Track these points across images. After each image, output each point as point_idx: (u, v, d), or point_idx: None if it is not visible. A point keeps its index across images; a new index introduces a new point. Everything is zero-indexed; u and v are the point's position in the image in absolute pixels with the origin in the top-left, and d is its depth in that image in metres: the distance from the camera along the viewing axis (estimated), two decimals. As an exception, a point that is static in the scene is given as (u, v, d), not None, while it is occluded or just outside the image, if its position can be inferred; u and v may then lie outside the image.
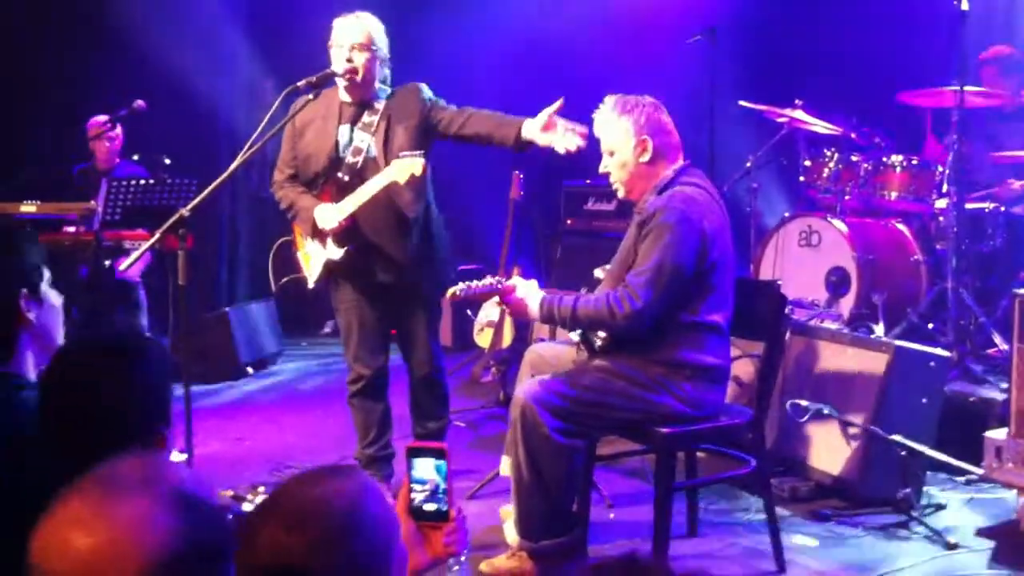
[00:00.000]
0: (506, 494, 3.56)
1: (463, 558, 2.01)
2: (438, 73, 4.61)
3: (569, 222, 7.06)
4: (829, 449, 4.18)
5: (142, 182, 5.50)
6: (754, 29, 6.87)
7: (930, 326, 5.25)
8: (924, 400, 4.11)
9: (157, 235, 3.56)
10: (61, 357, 1.92)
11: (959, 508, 4.07)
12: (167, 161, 6.01)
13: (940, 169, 5.43)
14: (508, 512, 3.53)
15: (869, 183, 5.66)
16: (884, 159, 5.63)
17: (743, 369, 4.48)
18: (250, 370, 6.85)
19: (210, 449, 4.93)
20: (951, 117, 5.17)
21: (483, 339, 5.77)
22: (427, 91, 4.10)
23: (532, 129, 3.84)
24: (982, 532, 3.82)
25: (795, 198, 6.28)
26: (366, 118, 4.05)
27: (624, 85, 3.67)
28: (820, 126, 5.80)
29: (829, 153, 5.81)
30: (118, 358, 1.85)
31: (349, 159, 4.03)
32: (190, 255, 3.71)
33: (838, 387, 4.23)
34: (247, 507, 3.95)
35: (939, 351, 4.30)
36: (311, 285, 4.19)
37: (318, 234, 4.03)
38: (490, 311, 5.65)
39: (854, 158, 5.72)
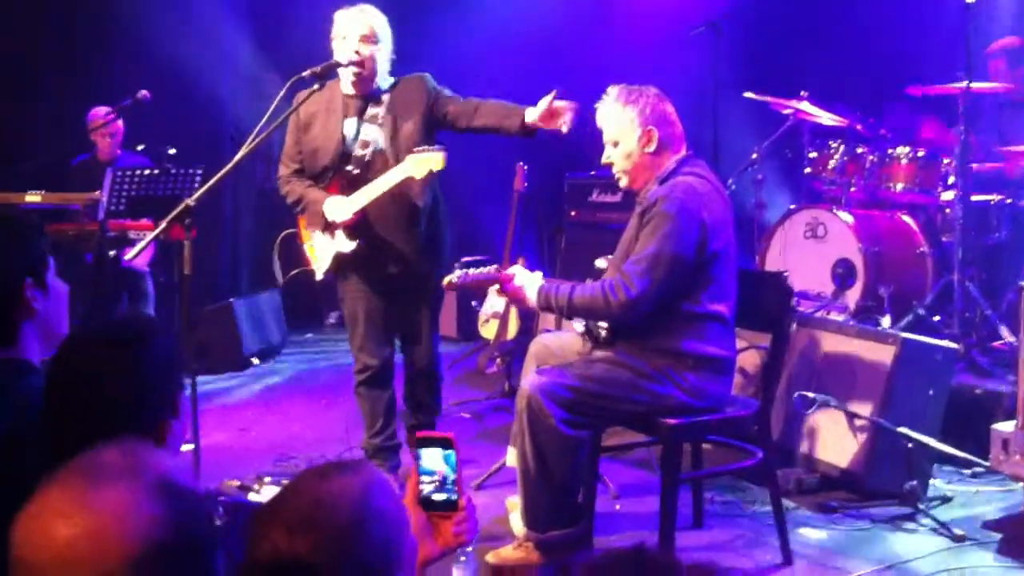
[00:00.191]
0: (512, 485, 3.56)
1: (469, 548, 2.00)
2: (440, 63, 4.60)
3: (573, 214, 7.03)
4: (835, 441, 4.17)
5: (147, 172, 5.48)
6: (759, 20, 6.83)
7: (936, 319, 5.23)
8: (931, 392, 4.11)
9: (163, 224, 3.54)
10: (66, 347, 1.90)
11: (966, 500, 4.06)
12: (172, 151, 5.99)
13: (946, 161, 5.41)
14: (514, 503, 3.53)
15: (875, 175, 5.63)
16: (890, 151, 5.60)
17: (749, 361, 4.47)
18: (255, 361, 6.84)
19: (215, 439, 4.93)
20: (958, 109, 5.15)
21: (488, 330, 5.76)
22: (431, 81, 4.10)
23: (534, 117, 3.88)
24: (989, 524, 3.82)
25: (800, 190, 6.26)
26: (372, 110, 4.04)
27: (629, 76, 3.65)
28: (826, 117, 5.77)
29: (835, 145, 5.78)
30: (123, 348, 1.83)
31: (357, 152, 4.02)
32: (194, 246, 3.70)
33: (844, 379, 4.22)
34: (252, 497, 3.94)
35: (946, 343, 4.29)
36: (319, 276, 4.18)
37: (328, 227, 4.02)
38: (495, 302, 5.64)
39: (860, 150, 5.70)
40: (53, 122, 7.01)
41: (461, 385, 6.09)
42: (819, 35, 6.81)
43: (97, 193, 5.42)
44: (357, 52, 3.95)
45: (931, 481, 4.09)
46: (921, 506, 3.93)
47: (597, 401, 3.32)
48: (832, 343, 4.35)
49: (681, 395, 3.34)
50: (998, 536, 3.70)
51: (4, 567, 1.21)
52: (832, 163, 5.77)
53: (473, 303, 6.63)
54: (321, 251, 4.14)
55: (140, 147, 6.39)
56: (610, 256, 3.69)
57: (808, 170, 5.96)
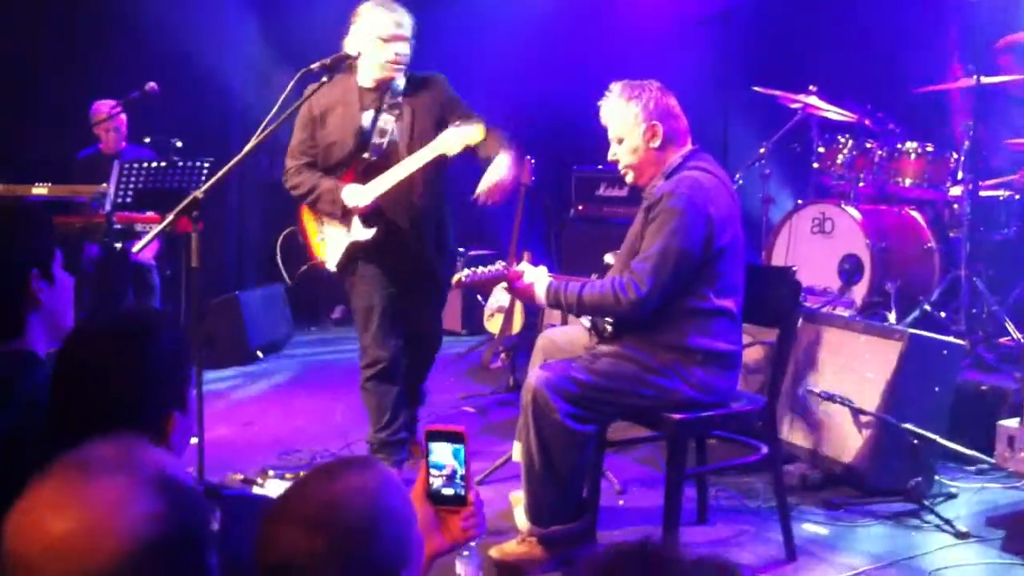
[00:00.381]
0: (516, 479, 3.56)
1: (473, 543, 1.99)
2: (448, 56, 4.61)
3: (580, 208, 7.02)
4: (840, 437, 4.16)
5: (154, 165, 5.47)
6: (768, 13, 6.81)
7: (942, 315, 5.22)
8: (936, 388, 4.09)
9: (171, 216, 3.54)
10: (72, 340, 1.90)
11: (970, 497, 4.05)
12: (179, 144, 5.98)
13: (955, 156, 5.39)
14: (518, 498, 3.53)
15: (883, 170, 5.62)
16: (899, 146, 5.58)
17: (754, 356, 4.46)
18: (260, 354, 6.83)
19: (220, 433, 4.93)
20: (967, 104, 5.13)
21: (493, 325, 5.76)
22: (449, 87, 4.18)
23: (481, 188, 4.03)
24: (993, 521, 3.81)
25: (808, 185, 6.24)
26: (389, 101, 4.07)
27: (635, 70, 3.64)
28: (834, 112, 5.76)
29: (843, 139, 5.77)
30: (129, 341, 1.82)
31: (375, 140, 4.09)
32: (200, 239, 3.69)
33: (850, 375, 4.21)
34: (257, 490, 3.96)
35: (953, 339, 4.28)
36: (332, 269, 4.19)
37: (346, 215, 4.04)
38: (500, 297, 5.64)
39: (868, 145, 5.68)
40: (55, 117, 6.99)
41: (466, 379, 6.09)
42: (828, 29, 6.78)
43: (104, 186, 5.42)
44: (400, 54, 4.01)
45: (936, 478, 4.08)
46: (926, 502, 3.92)
47: (603, 395, 3.32)
48: (838, 339, 4.34)
49: (688, 390, 3.34)
50: (1003, 533, 3.68)
51: None
52: (840, 158, 5.75)
53: (478, 297, 6.63)
54: (333, 243, 4.15)
55: (147, 140, 6.39)
56: (618, 251, 3.69)
57: (816, 165, 5.94)
